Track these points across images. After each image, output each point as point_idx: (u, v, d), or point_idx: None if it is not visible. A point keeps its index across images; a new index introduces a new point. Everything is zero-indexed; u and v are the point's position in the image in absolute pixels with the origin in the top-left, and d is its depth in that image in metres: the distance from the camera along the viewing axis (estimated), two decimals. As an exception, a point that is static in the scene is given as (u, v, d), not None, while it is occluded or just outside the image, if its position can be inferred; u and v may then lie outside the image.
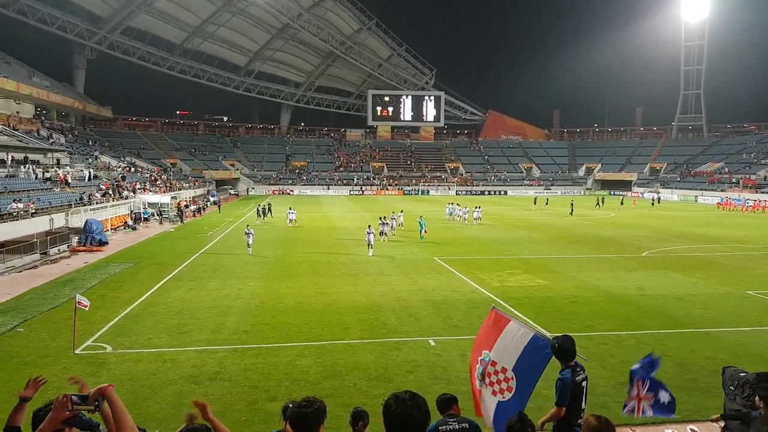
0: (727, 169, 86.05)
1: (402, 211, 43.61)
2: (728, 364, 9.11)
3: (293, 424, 3.59)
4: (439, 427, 5.17)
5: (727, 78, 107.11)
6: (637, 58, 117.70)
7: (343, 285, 21.60)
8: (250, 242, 29.30)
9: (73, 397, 3.29)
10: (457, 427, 5.24)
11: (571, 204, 58.97)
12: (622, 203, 69.22)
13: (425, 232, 34.46)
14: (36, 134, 57.99)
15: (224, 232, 39.04)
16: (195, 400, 4.11)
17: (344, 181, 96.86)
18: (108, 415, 3.44)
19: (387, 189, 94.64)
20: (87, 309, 14.04)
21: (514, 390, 6.52)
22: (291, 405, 5.32)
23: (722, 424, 7.00)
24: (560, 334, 6.95)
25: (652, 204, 70.76)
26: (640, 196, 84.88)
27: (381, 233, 33.42)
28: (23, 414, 3.92)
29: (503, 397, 6.58)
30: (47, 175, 43.62)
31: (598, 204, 67.67)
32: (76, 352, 13.57)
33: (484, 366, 6.87)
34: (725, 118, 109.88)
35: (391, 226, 36.60)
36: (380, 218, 35.79)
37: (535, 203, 66.69)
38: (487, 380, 6.79)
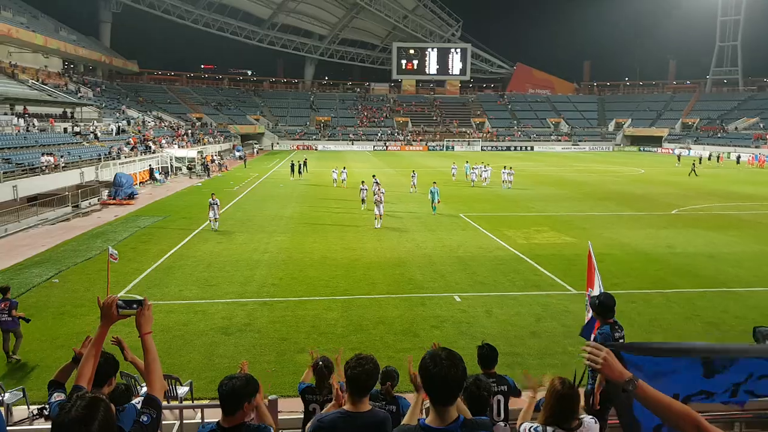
0: (762, 125, 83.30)
1: (414, 172, 38.76)
2: (760, 324, 8.99)
3: (359, 381, 3.62)
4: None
5: (766, 28, 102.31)
6: (672, 8, 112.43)
7: (368, 240, 21.70)
8: (213, 215, 23.39)
9: (118, 302, 3.40)
10: (496, 389, 5.51)
11: (693, 163, 51.29)
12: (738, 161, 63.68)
13: (438, 202, 28.53)
14: (65, 88, 58.43)
15: (250, 187, 39.32)
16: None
17: (368, 137, 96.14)
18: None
19: (411, 144, 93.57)
20: (116, 262, 14.31)
21: None
22: (322, 361, 5.39)
23: None
24: (601, 292, 6.97)
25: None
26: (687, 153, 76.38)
27: (363, 201, 29.58)
28: (69, 374, 3.97)
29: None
30: (76, 129, 44.09)
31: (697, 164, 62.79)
32: (110, 303, 13.90)
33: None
34: (762, 71, 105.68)
35: (374, 192, 28.02)
36: (362, 183, 30.80)
37: (679, 160, 62.05)
38: None
